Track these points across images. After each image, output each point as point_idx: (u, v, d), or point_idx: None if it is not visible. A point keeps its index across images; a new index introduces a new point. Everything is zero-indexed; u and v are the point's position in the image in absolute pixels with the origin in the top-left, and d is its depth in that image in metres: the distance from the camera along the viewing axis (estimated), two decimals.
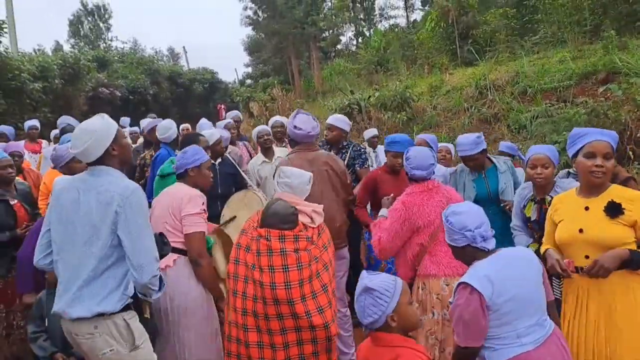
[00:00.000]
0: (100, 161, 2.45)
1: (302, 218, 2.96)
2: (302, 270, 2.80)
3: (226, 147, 5.12)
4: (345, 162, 4.68)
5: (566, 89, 9.84)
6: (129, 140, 4.56)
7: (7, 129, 7.37)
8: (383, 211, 3.54)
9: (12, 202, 3.97)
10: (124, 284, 2.43)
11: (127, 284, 2.44)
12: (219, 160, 4.78)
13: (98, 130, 2.41)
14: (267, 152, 5.34)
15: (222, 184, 4.64)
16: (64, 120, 6.90)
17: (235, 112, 7.80)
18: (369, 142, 7.53)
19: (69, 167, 3.97)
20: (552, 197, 3.17)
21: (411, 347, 2.05)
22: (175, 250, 3.10)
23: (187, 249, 3.15)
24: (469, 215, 2.36)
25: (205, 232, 3.21)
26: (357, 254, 4.61)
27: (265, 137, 5.35)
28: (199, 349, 3.17)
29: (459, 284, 2.25)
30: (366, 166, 4.83)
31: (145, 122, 6.62)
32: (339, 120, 4.80)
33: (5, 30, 12.49)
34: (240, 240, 2.97)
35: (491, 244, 2.34)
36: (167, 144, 5.18)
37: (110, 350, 2.36)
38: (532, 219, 3.49)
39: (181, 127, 8.84)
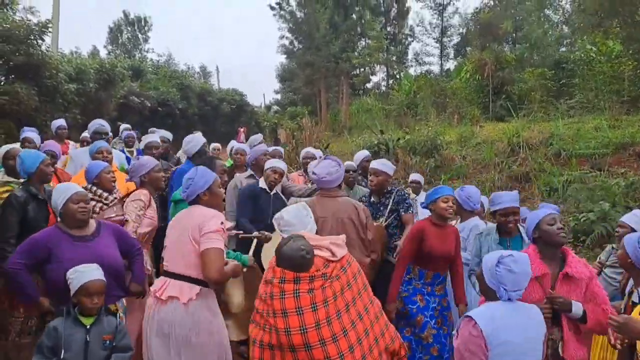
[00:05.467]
0: None
1: (321, 253, 2.73)
2: (318, 311, 2.57)
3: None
4: (389, 207, 4.51)
5: (602, 157, 9.67)
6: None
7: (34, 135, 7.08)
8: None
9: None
10: None
11: None
12: (274, 192, 4.76)
13: None
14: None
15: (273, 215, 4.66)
16: (98, 122, 6.66)
17: (259, 137, 7.54)
18: (413, 188, 7.07)
19: (150, 176, 4.04)
20: None
21: None
22: (198, 281, 2.92)
23: (203, 267, 2.87)
24: (517, 277, 2.39)
25: (223, 251, 2.97)
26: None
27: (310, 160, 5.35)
28: None
29: (464, 317, 2.39)
30: (411, 211, 4.57)
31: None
32: (384, 165, 4.62)
33: (50, 29, 12.71)
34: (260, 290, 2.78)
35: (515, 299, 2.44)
36: (189, 159, 5.12)
37: None
38: None
39: (212, 146, 8.67)
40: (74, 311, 2.76)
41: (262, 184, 4.77)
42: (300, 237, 2.72)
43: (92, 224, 3.23)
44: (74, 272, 2.79)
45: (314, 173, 3.74)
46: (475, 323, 2.31)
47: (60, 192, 3.14)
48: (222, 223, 2.99)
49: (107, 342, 2.76)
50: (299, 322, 2.54)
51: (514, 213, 3.67)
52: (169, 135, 7.32)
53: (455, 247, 3.91)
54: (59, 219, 3.23)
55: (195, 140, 5.22)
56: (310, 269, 2.64)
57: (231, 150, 7.15)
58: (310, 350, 2.52)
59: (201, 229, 2.91)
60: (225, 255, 3.09)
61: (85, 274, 2.77)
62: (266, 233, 4.23)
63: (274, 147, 6.51)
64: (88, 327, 2.74)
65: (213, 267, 2.83)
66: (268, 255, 4.07)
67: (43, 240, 3.05)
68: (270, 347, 2.63)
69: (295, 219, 2.94)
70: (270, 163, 4.83)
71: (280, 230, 2.97)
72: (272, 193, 4.74)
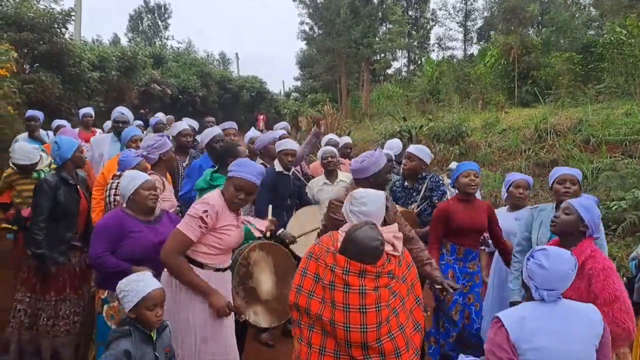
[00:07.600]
0: None
1: (385, 247, 2.58)
2: (381, 311, 2.44)
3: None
4: (422, 193, 4.46)
5: (633, 143, 9.38)
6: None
7: (65, 122, 7.16)
8: None
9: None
10: None
11: None
12: (292, 171, 4.80)
13: None
14: (331, 174, 5.08)
15: (290, 196, 4.72)
16: (119, 110, 6.64)
17: (283, 124, 7.69)
18: (448, 175, 6.84)
19: (169, 155, 4.25)
20: None
21: None
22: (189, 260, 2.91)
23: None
24: (548, 274, 2.15)
25: (190, 239, 2.84)
26: None
27: (330, 159, 5.05)
28: None
29: (494, 317, 2.18)
30: (445, 199, 4.39)
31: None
32: (420, 150, 4.55)
33: (73, 18, 12.77)
34: (314, 250, 2.63)
35: (549, 300, 2.17)
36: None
37: None
38: None
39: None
40: (139, 328, 2.49)
41: (277, 167, 4.72)
42: (375, 226, 2.54)
43: (157, 211, 3.37)
44: (128, 283, 2.51)
45: (360, 161, 3.47)
46: (502, 325, 2.10)
47: (130, 180, 3.25)
48: (205, 211, 2.86)
49: (167, 354, 2.62)
50: (361, 320, 2.42)
51: (571, 181, 3.49)
52: (195, 124, 7.38)
53: (488, 220, 3.96)
54: (124, 205, 3.31)
55: (206, 131, 5.19)
56: (378, 263, 2.48)
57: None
58: (367, 349, 2.43)
59: None
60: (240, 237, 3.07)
61: (144, 284, 2.52)
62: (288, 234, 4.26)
63: (281, 132, 6.38)
64: (154, 341, 2.54)
65: (165, 247, 2.85)
66: (298, 221, 4.09)
67: (114, 224, 3.18)
68: (323, 333, 2.53)
69: (376, 212, 2.73)
70: (281, 145, 4.77)
71: (351, 210, 2.73)
72: (290, 173, 4.73)
